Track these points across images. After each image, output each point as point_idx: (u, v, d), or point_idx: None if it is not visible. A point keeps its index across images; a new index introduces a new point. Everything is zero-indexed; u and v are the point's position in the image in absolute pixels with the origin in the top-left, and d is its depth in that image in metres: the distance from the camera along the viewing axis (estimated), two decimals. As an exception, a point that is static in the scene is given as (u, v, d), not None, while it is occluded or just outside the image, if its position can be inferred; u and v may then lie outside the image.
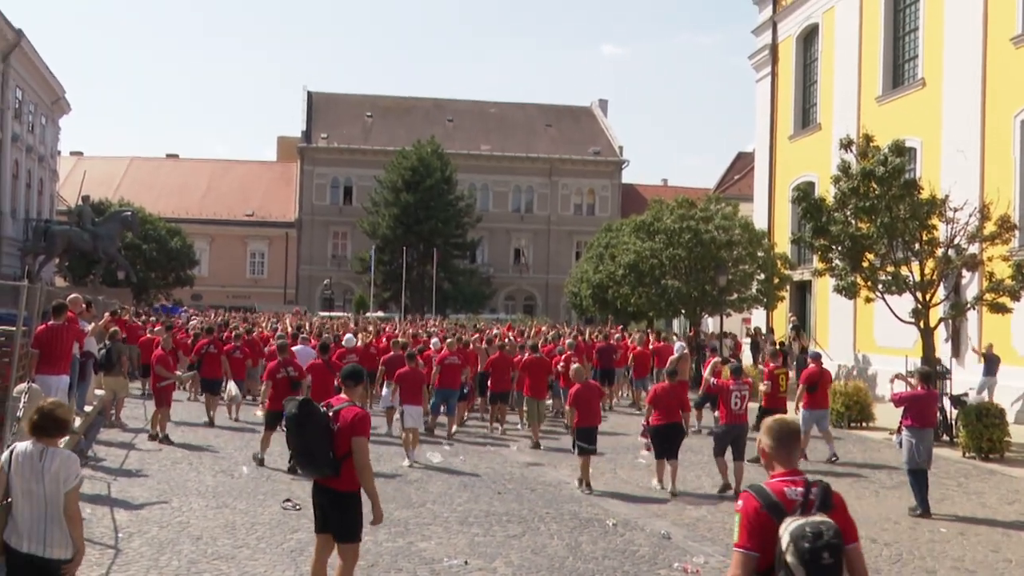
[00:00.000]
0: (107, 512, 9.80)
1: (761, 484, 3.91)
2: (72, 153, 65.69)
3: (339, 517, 6.48)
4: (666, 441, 11.96)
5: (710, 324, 34.61)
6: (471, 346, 18.97)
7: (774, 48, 34.74)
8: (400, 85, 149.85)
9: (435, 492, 11.53)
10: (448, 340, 17.69)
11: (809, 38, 33.02)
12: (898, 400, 11.31)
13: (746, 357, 31.13)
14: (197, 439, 15.25)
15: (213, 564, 8.09)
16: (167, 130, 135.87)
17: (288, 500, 10.50)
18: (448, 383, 16.33)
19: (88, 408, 16.06)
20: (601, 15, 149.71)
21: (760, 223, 32.62)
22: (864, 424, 19.51)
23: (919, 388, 11.45)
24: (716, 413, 13.27)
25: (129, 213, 39.82)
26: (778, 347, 23.41)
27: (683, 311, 30.26)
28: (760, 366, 21.58)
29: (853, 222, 18.66)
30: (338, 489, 6.42)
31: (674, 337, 26.35)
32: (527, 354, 16.90)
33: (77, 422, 14.45)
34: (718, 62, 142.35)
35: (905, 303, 18.41)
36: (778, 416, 4.24)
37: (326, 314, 43.78)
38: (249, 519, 9.76)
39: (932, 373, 12.00)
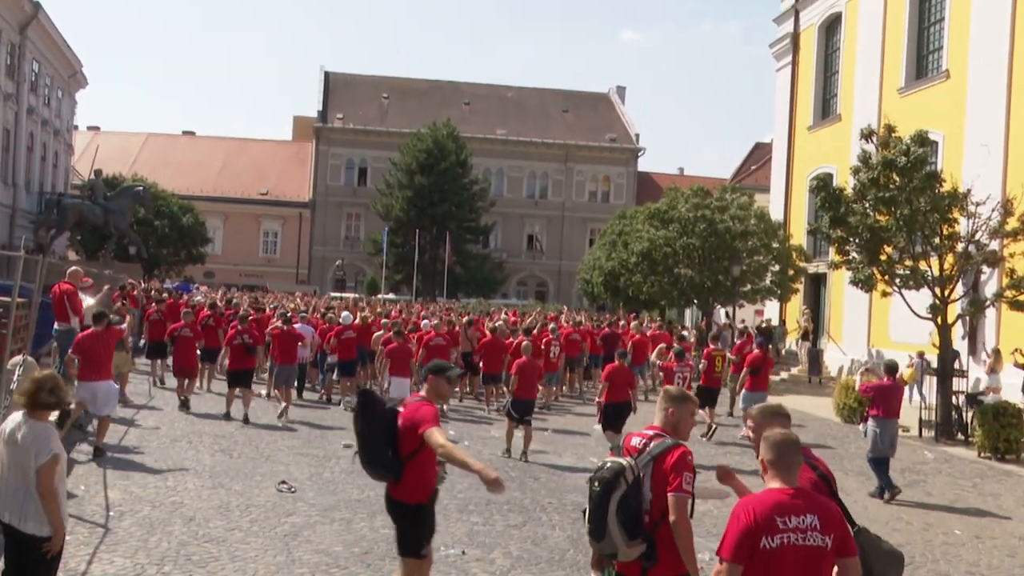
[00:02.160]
0: (100, 490, 9.58)
1: (622, 436, 5.19)
2: (89, 128, 65.60)
3: (399, 527, 5.78)
4: (616, 416, 12.77)
5: (722, 314, 34.25)
6: (456, 327, 19.53)
7: (795, 37, 34.22)
8: (417, 67, 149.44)
9: (436, 478, 11.26)
10: (435, 322, 18.60)
11: (832, 27, 32.47)
12: (864, 390, 12.00)
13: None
14: (199, 418, 15.04)
15: (203, 547, 7.84)
16: (184, 107, 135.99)
17: (284, 483, 10.25)
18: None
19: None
20: (622, 1, 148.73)
21: (776, 214, 32.22)
22: (876, 420, 19.10)
23: (885, 379, 11.90)
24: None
25: (141, 188, 39.62)
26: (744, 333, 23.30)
27: (695, 301, 29.93)
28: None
29: (872, 214, 18.23)
30: (405, 500, 5.67)
31: (683, 329, 26.00)
32: (519, 337, 17.19)
33: (78, 396, 14.29)
34: (738, 51, 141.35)
35: (922, 298, 17.99)
36: (673, 388, 5.08)
37: (337, 295, 43.53)
38: (244, 500, 9.51)
39: (897, 365, 12.52)
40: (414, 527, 5.72)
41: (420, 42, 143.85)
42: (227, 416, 14.74)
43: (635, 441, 4.74)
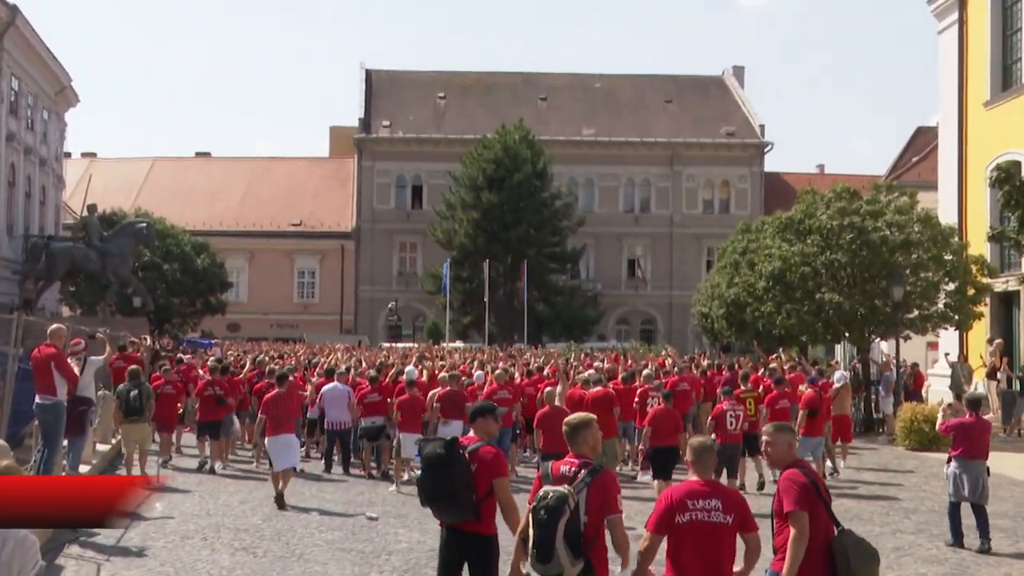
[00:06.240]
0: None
1: (550, 463, 6.82)
2: (84, 155, 68.15)
3: (483, 561, 7.52)
4: (663, 463, 14.72)
5: (883, 349, 33.40)
6: (520, 379, 20.23)
7: (962, -12, 33.59)
8: (480, 58, 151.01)
9: None
10: (497, 372, 19.34)
11: (1009, -28, 31.80)
12: (945, 429, 13.15)
13: (935, 394, 29.91)
14: (218, 506, 15.15)
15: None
16: (196, 124, 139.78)
17: (320, 587, 10.19)
18: None
19: (84, 469, 16.16)
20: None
21: (947, 217, 31.42)
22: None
23: (968, 415, 12.90)
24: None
25: (144, 225, 40.50)
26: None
27: (846, 333, 29.25)
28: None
29: (1075, 210, 17.59)
30: (483, 532, 7.45)
31: (831, 366, 25.41)
32: (591, 388, 17.39)
33: (68, 486, 14.51)
34: (889, 15, 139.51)
35: None
36: (571, 418, 7.02)
37: (388, 345, 43.85)
38: (269, 613, 9.46)
39: (980, 400, 13.60)
40: (497, 556, 7.57)
41: (481, 26, 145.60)
42: (205, 467, 18.74)
43: (563, 469, 6.60)
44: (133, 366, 18.28)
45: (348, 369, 21.01)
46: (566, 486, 6.39)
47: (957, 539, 12.73)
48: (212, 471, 18.52)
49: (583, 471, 6.49)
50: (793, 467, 6.86)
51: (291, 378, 17.21)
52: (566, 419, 7.10)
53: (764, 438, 7.12)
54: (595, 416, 7.20)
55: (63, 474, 14.63)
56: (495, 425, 7.94)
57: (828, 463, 18.56)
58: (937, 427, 14.16)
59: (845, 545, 6.59)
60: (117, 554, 11.82)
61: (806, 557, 6.45)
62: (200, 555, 11.91)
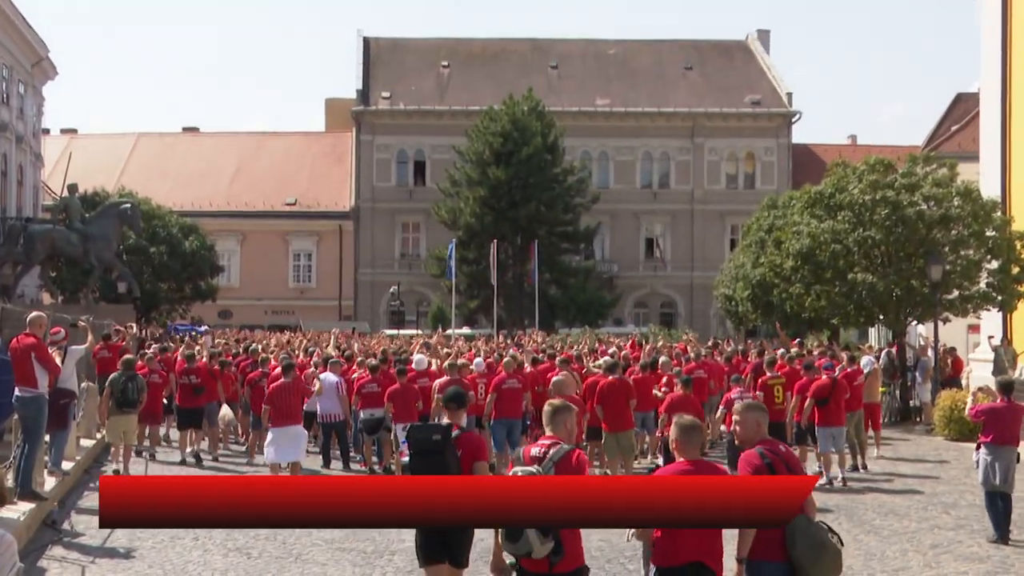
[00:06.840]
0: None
1: (521, 448, 7.68)
2: (64, 131, 68.08)
3: (462, 539, 8.17)
4: None
5: (920, 332, 33.30)
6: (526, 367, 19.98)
7: (1005, -60, 33.36)
8: (486, 23, 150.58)
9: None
10: (505, 360, 18.94)
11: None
12: (975, 414, 13.39)
13: (976, 379, 29.89)
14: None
15: None
16: (183, 98, 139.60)
17: (318, 590, 10.22)
18: (509, 411, 17.58)
19: (67, 465, 16.22)
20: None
21: (989, 190, 31.25)
22: None
23: (999, 400, 13.29)
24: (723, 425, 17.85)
25: (128, 206, 40.39)
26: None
27: (881, 316, 29.17)
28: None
29: None
30: None
31: (861, 350, 25.40)
32: (610, 375, 17.45)
33: (50, 484, 14.56)
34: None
35: None
36: (555, 402, 7.58)
37: (392, 332, 43.87)
38: (265, 618, 9.49)
39: (1012, 383, 13.82)
40: (472, 537, 8.31)
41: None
42: (182, 461, 19.06)
43: (535, 451, 7.10)
44: (128, 355, 18.57)
45: (350, 357, 21.00)
46: (535, 466, 6.85)
47: (1000, 534, 12.77)
48: (197, 458, 19.10)
49: (552, 450, 6.98)
50: (755, 447, 7.17)
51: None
52: (548, 401, 7.75)
53: (734, 416, 7.58)
54: (577, 407, 7.85)
55: (45, 470, 14.71)
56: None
57: (858, 457, 18.76)
58: (966, 412, 14.42)
59: (794, 531, 6.81)
60: (103, 556, 11.86)
61: (766, 544, 6.81)
62: (191, 556, 11.93)
